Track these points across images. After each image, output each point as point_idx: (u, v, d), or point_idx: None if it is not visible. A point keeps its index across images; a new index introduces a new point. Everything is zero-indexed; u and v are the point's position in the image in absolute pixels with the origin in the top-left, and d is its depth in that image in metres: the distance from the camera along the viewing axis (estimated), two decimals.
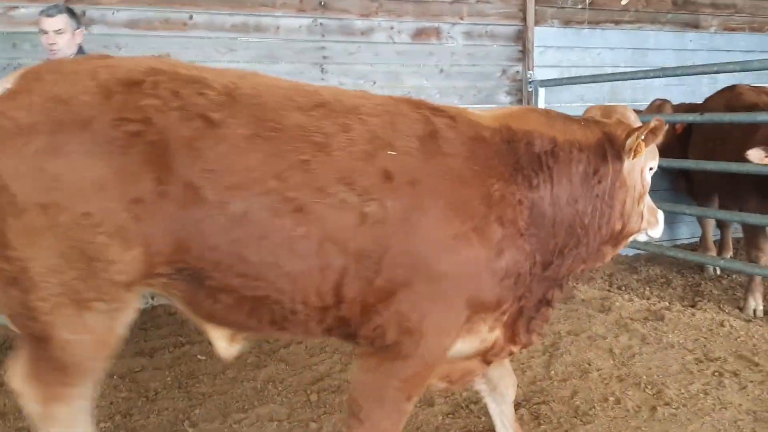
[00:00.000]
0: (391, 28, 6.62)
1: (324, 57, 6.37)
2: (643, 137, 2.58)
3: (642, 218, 2.85)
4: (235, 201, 2.13)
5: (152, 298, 5.83)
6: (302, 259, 2.19)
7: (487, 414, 3.59)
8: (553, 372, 4.16)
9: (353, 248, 2.21)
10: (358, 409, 2.45)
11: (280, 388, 3.99)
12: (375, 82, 6.57)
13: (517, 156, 2.50)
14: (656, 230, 2.96)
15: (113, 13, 5.62)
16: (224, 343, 2.48)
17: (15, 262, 2.12)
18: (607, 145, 2.65)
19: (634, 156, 2.63)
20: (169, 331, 5.14)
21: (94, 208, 2.08)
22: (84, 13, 5.49)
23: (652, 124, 2.57)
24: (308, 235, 2.17)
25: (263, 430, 3.52)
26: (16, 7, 5.37)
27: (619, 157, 2.65)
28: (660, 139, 2.65)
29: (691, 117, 6.02)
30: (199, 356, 4.54)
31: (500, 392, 3.05)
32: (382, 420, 2.45)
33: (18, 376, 2.35)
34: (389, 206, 2.22)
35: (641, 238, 2.99)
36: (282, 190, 2.15)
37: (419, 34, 6.75)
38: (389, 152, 2.28)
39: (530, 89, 7.02)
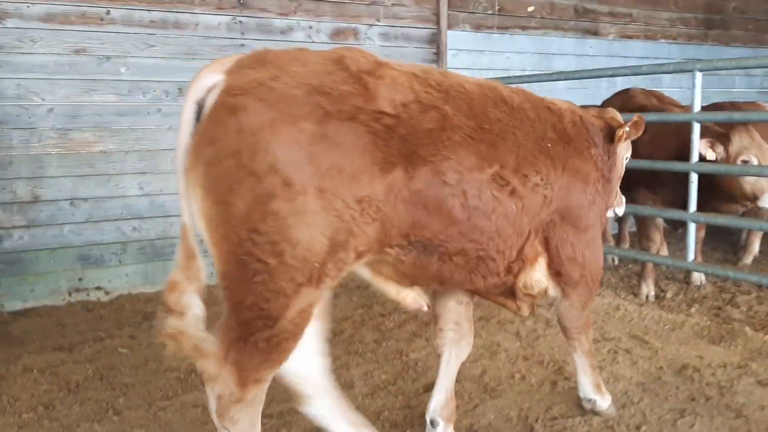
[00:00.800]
0: (310, 27, 6.76)
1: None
2: (627, 129, 3.38)
3: (616, 196, 3.67)
4: (472, 184, 2.57)
5: (69, 294, 5.75)
6: (512, 226, 2.79)
7: (403, 393, 3.83)
8: None
9: (537, 219, 2.90)
10: (572, 330, 3.48)
11: None
12: None
13: (590, 133, 3.26)
14: (621, 208, 3.81)
15: (28, 7, 5.48)
16: (412, 298, 2.90)
17: (272, 245, 2.19)
18: (610, 131, 3.43)
19: (619, 141, 3.41)
20: (87, 326, 5.10)
21: (366, 193, 2.30)
22: None
23: (635, 118, 3.41)
24: (517, 210, 2.77)
25: (187, 415, 3.60)
26: None
27: (613, 142, 3.42)
28: (640, 132, 3.47)
29: None
30: (120, 349, 4.56)
31: (461, 347, 3.38)
32: (586, 329, 3.52)
33: (214, 359, 2.33)
34: (556, 188, 2.93)
35: (609, 213, 3.69)
36: (504, 176, 2.68)
37: (337, 35, 6.92)
38: (549, 143, 2.93)
39: None
